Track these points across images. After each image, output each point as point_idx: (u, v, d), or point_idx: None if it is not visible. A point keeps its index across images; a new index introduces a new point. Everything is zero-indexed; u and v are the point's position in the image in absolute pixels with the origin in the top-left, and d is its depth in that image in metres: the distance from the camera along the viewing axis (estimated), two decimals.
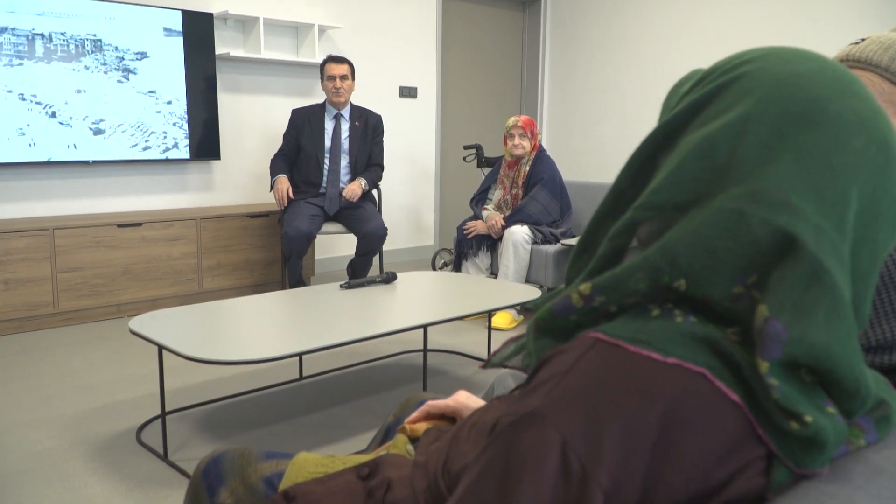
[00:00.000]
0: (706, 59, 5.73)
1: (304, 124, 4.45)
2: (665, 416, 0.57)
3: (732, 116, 0.61)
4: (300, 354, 2.19)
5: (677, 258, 0.61)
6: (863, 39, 1.08)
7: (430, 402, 1.20)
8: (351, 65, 4.44)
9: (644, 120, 6.19)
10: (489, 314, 3.49)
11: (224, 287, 4.56)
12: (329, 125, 4.49)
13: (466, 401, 1.19)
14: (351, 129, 4.51)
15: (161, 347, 2.26)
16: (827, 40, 5.10)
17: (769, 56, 0.64)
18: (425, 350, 2.71)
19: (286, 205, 4.32)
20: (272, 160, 4.50)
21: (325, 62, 4.44)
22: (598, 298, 0.65)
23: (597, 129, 6.57)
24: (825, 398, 0.61)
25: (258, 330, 2.45)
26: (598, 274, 0.69)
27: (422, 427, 1.16)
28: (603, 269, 0.69)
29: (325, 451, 2.49)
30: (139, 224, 4.17)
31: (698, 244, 0.60)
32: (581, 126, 6.67)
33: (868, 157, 0.59)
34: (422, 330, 3.27)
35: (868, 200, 0.60)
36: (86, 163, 4.24)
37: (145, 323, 2.46)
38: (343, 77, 4.39)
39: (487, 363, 0.93)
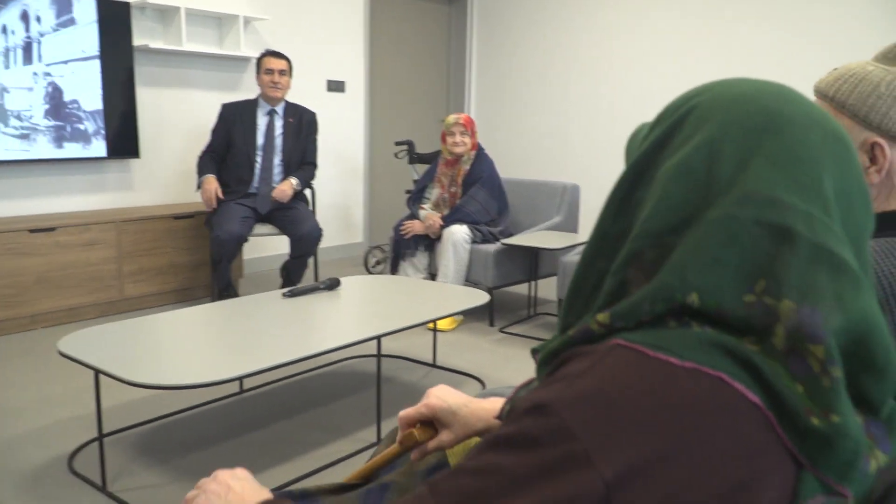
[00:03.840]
0: (630, 51, 5.79)
1: (236, 120, 4.26)
2: (681, 419, 0.57)
3: (698, 141, 0.66)
4: (251, 375, 2.06)
5: (686, 274, 0.62)
6: (836, 69, 1.15)
7: (402, 414, 1.09)
8: (289, 61, 4.29)
9: (569, 114, 6.22)
10: None
11: (147, 293, 4.32)
12: (262, 121, 4.31)
13: (438, 402, 1.06)
14: (285, 125, 4.34)
15: (98, 372, 2.08)
16: (743, 37, 5.23)
17: (714, 87, 0.70)
18: (379, 356, 2.61)
19: (215, 206, 4.11)
20: (199, 158, 4.28)
21: (263, 56, 4.28)
22: (619, 324, 0.66)
23: (522, 124, 6.56)
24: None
25: (200, 347, 2.30)
26: (609, 307, 0.69)
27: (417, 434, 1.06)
28: (612, 303, 0.69)
29: (281, 469, 2.36)
30: (53, 228, 3.89)
31: (702, 255, 0.62)
32: (507, 122, 6.65)
33: (828, 147, 0.65)
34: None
35: (840, 185, 0.64)
36: None
37: (75, 344, 2.27)
38: (282, 72, 4.24)
39: (500, 414, 0.92)
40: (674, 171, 0.67)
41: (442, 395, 1.07)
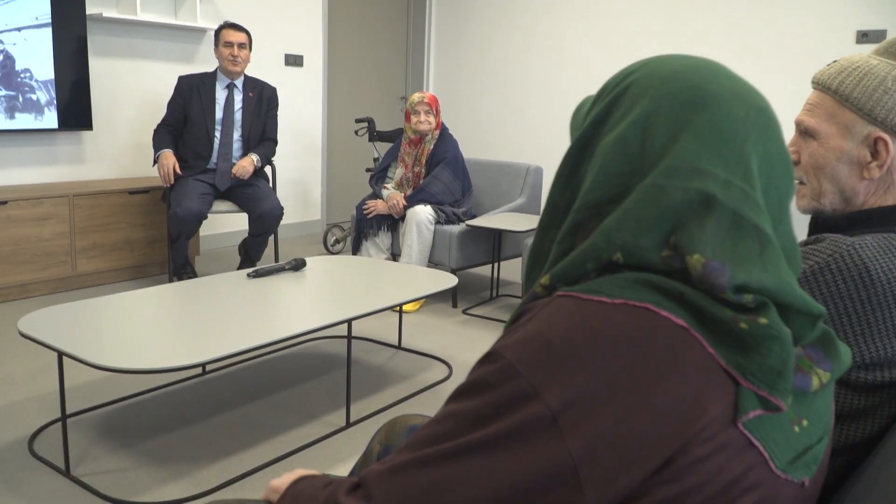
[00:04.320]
0: (589, 33, 5.81)
1: (193, 93, 4.13)
2: (614, 346, 0.61)
3: (634, 116, 0.72)
4: (220, 360, 2.02)
5: (611, 234, 0.68)
6: (835, 61, 1.15)
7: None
8: (249, 34, 4.17)
9: (526, 95, 6.22)
10: None
11: (101, 269, 4.20)
12: (221, 95, 4.19)
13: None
14: (245, 100, 4.23)
15: (62, 354, 2.02)
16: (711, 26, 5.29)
17: (649, 64, 0.75)
18: (349, 338, 2.58)
19: (172, 182, 4.00)
20: (155, 131, 4.14)
21: (221, 28, 4.14)
22: (559, 285, 0.72)
23: (481, 104, 6.55)
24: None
25: (166, 328, 2.24)
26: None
27: None
28: None
29: (249, 454, 2.33)
30: (4, 202, 3.75)
31: (627, 218, 0.68)
32: (467, 102, 6.63)
33: (750, 120, 0.70)
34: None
35: (763, 154, 0.70)
36: None
37: (36, 324, 2.20)
38: (241, 45, 4.11)
39: None
40: (611, 145, 0.72)
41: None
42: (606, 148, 0.72)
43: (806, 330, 0.70)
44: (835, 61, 1.15)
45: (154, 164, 4.08)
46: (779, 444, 0.66)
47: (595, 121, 0.76)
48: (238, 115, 4.21)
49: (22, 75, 4.01)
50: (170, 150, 4.05)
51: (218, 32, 4.16)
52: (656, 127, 0.70)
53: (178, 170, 4.01)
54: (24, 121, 4.05)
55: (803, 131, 1.14)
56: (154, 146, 4.11)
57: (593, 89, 5.86)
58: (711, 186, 0.67)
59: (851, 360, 0.84)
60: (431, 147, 4.24)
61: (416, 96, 4.18)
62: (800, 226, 1.17)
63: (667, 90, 0.71)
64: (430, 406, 2.77)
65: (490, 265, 4.48)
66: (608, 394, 0.60)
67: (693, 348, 0.63)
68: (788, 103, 5.01)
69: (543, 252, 0.79)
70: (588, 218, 0.72)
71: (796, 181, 1.17)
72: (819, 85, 1.13)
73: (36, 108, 4.10)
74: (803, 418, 0.70)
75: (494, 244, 4.27)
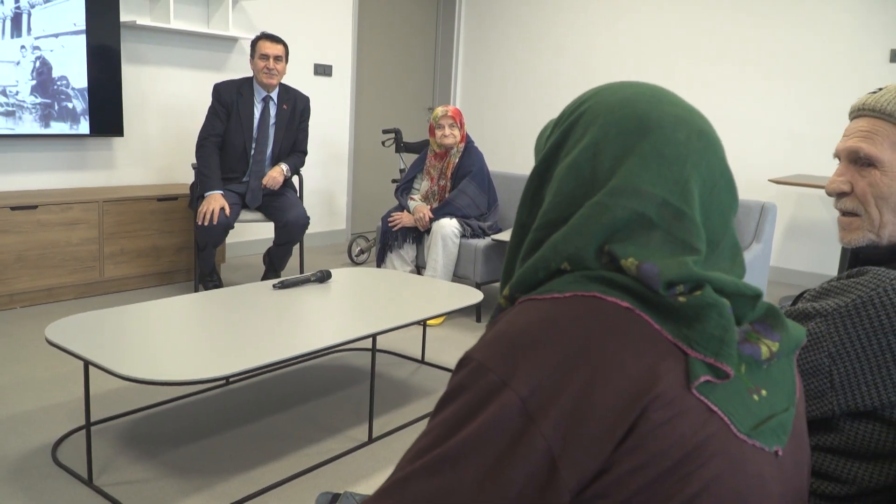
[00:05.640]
0: (616, 45, 5.79)
1: (231, 106, 4.08)
2: (569, 332, 0.67)
3: (585, 143, 0.78)
4: (245, 373, 2.01)
5: (558, 246, 0.75)
6: (880, 89, 1.12)
7: None
8: (286, 46, 4.14)
9: (554, 107, 6.20)
10: None
11: (128, 275, 4.23)
12: (257, 110, 4.16)
13: None
14: (278, 113, 4.21)
15: (88, 363, 2.03)
16: (740, 35, 5.25)
17: (601, 92, 0.82)
18: (374, 352, 2.57)
19: (208, 224, 3.87)
20: (201, 145, 4.04)
21: (258, 39, 4.10)
22: (517, 295, 0.79)
23: (508, 116, 6.53)
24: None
25: (191, 339, 2.25)
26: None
27: None
28: None
29: (271, 467, 2.32)
30: (35, 207, 3.79)
31: (572, 232, 0.74)
32: (493, 114, 6.62)
33: (691, 143, 0.76)
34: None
35: (705, 174, 0.76)
36: None
37: (62, 332, 2.21)
38: (277, 58, 4.08)
39: None
40: (565, 170, 0.78)
41: None
42: (562, 172, 0.79)
43: (746, 309, 0.75)
44: (880, 89, 1.11)
45: (198, 191, 4.01)
46: (738, 409, 0.70)
47: (553, 146, 0.82)
48: (272, 130, 4.20)
49: (58, 83, 4.06)
50: (220, 193, 3.94)
51: (254, 43, 4.10)
52: (604, 153, 0.76)
53: (226, 213, 3.91)
54: (57, 127, 4.10)
55: (858, 159, 1.10)
56: (200, 168, 4.02)
57: None
58: (648, 206, 0.73)
59: (805, 337, 0.87)
60: (457, 160, 4.23)
61: (439, 110, 4.17)
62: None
63: (614, 118, 0.78)
64: None
65: None
66: (567, 374, 0.65)
67: (640, 325, 0.68)
68: (822, 124, 4.95)
69: (512, 270, 0.85)
70: (545, 236, 0.78)
71: (849, 213, 1.13)
72: (875, 112, 1.09)
73: (71, 116, 4.15)
74: (761, 388, 0.74)
75: None
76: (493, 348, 0.69)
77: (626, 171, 0.75)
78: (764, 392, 0.74)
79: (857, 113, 1.12)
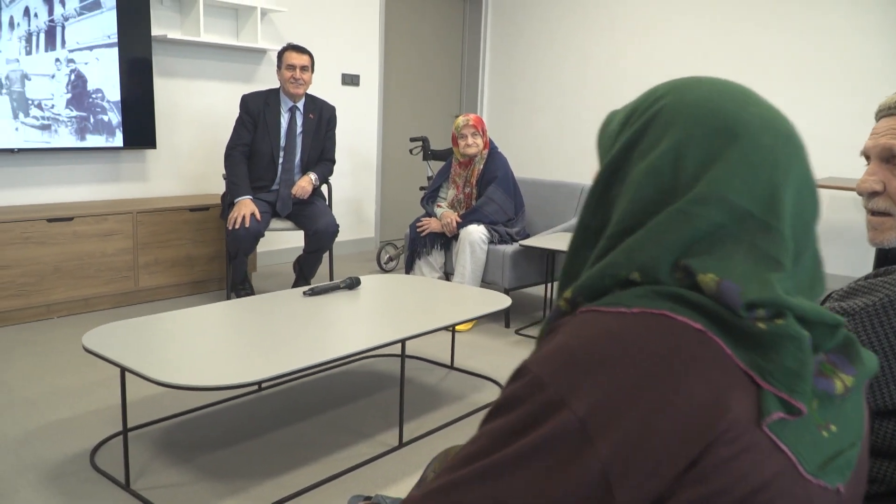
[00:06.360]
0: (644, 52, 5.77)
1: (259, 116, 4.15)
2: (635, 352, 0.63)
3: (666, 145, 0.73)
4: (277, 378, 2.04)
5: (632, 253, 0.70)
6: None
7: None
8: (312, 56, 4.21)
9: (581, 114, 6.19)
10: None
11: (162, 285, 4.31)
12: (284, 119, 4.23)
13: None
14: (305, 122, 4.27)
15: (124, 369, 2.07)
16: (769, 41, 5.20)
17: (678, 88, 0.76)
18: (403, 357, 2.59)
19: (240, 228, 3.93)
20: (229, 155, 4.13)
21: (284, 50, 4.17)
22: (580, 299, 0.74)
23: (535, 123, 6.54)
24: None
25: (224, 346, 2.29)
26: None
27: None
28: None
29: (303, 472, 2.35)
30: (71, 218, 3.88)
31: (649, 239, 0.70)
32: (521, 120, 6.63)
33: (779, 149, 0.72)
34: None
35: (792, 182, 0.72)
36: (10, 151, 3.90)
37: (99, 339, 2.25)
38: (304, 68, 4.14)
39: None
40: (644, 174, 0.73)
41: None
42: (639, 176, 0.74)
43: (825, 338, 0.71)
44: None
45: (228, 199, 4.08)
46: (806, 448, 0.66)
47: (625, 146, 0.77)
48: (299, 139, 4.26)
49: (93, 96, 4.15)
50: (250, 199, 4.01)
51: (281, 54, 4.18)
52: (688, 157, 0.72)
53: (257, 217, 3.97)
54: (93, 141, 4.19)
55: (892, 157, 1.09)
56: (229, 177, 4.09)
57: None
58: (733, 218, 0.69)
59: (878, 365, 0.83)
60: (481, 167, 4.24)
61: (460, 120, 4.19)
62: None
63: (698, 119, 0.73)
64: None
65: (543, 285, 4.46)
66: (631, 397, 0.62)
67: (711, 350, 0.64)
68: (846, 127, 4.89)
69: (573, 273, 0.80)
70: (620, 242, 0.73)
71: (881, 213, 1.12)
72: None
73: (107, 129, 4.24)
74: (831, 423, 0.70)
75: (548, 264, 4.25)
76: (552, 362, 0.65)
77: (712, 178, 0.70)
78: (833, 428, 0.70)
79: (886, 112, 1.11)
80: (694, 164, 0.71)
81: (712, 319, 0.65)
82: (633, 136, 0.77)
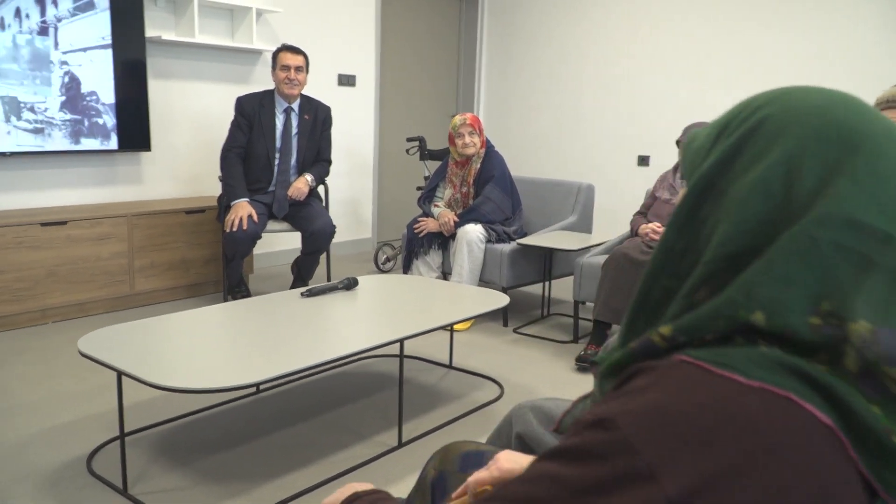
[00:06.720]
0: (644, 51, 5.75)
1: (254, 117, 4.13)
2: (746, 437, 0.55)
3: (775, 157, 0.64)
4: (276, 379, 2.02)
5: (753, 290, 0.61)
6: None
7: (471, 480, 1.09)
8: (306, 57, 4.19)
9: (578, 113, 6.18)
10: None
11: (158, 288, 4.28)
12: (279, 120, 4.21)
13: (510, 465, 1.08)
14: (300, 123, 4.25)
15: (120, 373, 2.05)
16: (773, 40, 5.20)
17: (782, 97, 0.68)
18: (402, 357, 2.57)
19: (237, 230, 3.91)
20: (224, 157, 4.11)
21: (279, 50, 4.15)
22: (681, 338, 0.65)
23: (532, 122, 6.52)
24: None
25: (221, 348, 2.26)
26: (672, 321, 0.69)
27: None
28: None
29: (302, 473, 2.33)
30: (65, 222, 3.85)
31: (772, 273, 0.60)
32: (517, 119, 6.61)
33: None
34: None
35: None
36: (2, 155, 3.87)
37: (95, 344, 2.23)
38: (298, 69, 4.12)
39: (559, 427, 0.87)
40: (749, 189, 0.64)
41: (513, 458, 1.09)
42: (743, 192, 0.65)
43: None
44: None
45: (225, 201, 4.05)
46: None
47: (720, 161, 0.68)
48: (295, 140, 4.24)
49: (87, 98, 4.13)
50: (247, 201, 4.00)
51: (275, 55, 4.16)
52: (803, 170, 0.63)
53: (255, 219, 3.95)
54: (87, 144, 4.17)
55: None
56: (225, 179, 4.07)
57: (645, 107, 5.79)
58: (869, 244, 0.60)
59: None
60: (478, 166, 4.23)
61: (457, 119, 4.17)
62: None
63: (811, 128, 0.64)
64: (482, 427, 2.74)
65: (541, 284, 4.44)
66: (731, 486, 0.54)
67: (835, 452, 0.56)
68: None
69: (651, 299, 0.72)
70: (722, 270, 0.65)
71: None
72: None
73: (102, 132, 4.21)
74: None
75: (545, 263, 4.23)
76: (647, 425, 0.57)
77: (835, 194, 0.61)
78: None
79: (885, 105, 1.11)
80: (811, 178, 0.62)
81: (843, 413, 0.57)
82: (729, 149, 0.68)
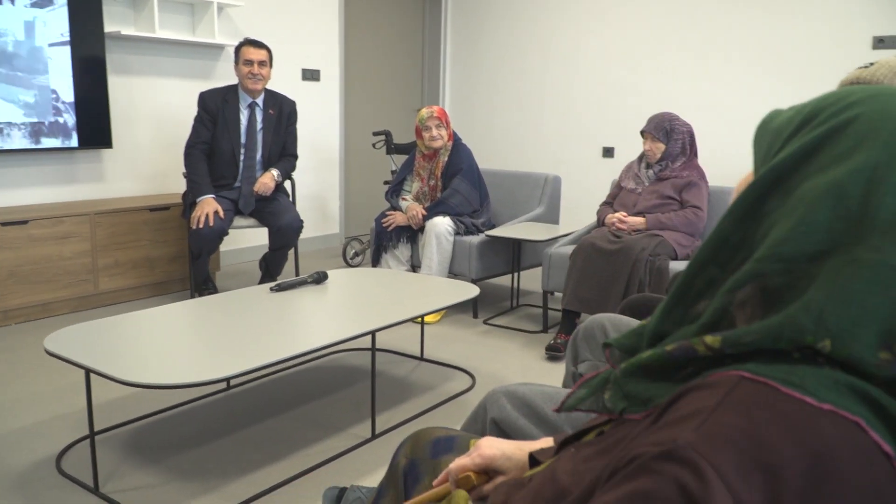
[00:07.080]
0: (604, 44, 5.81)
1: (218, 113, 4.09)
2: (817, 463, 0.53)
3: (858, 162, 0.59)
4: (246, 374, 2.01)
5: (824, 316, 0.57)
6: (871, 63, 1.09)
7: (453, 466, 1.09)
8: (269, 51, 4.15)
9: (543, 105, 6.22)
10: None
11: (123, 287, 4.22)
12: (243, 116, 4.17)
13: (492, 451, 1.08)
14: (265, 118, 4.22)
15: (89, 371, 2.02)
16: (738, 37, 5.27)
17: (879, 97, 0.62)
18: (374, 350, 2.58)
19: (204, 227, 3.86)
20: (188, 154, 4.06)
21: (241, 45, 4.11)
22: (729, 350, 0.62)
23: (497, 115, 6.54)
24: None
25: (191, 344, 2.25)
26: (712, 328, 0.65)
27: (472, 478, 1.06)
28: (718, 322, 0.65)
29: (275, 468, 2.32)
30: (25, 222, 3.78)
31: (848, 300, 0.56)
32: (482, 112, 6.63)
33: None
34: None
35: None
36: None
37: (61, 342, 2.20)
38: (262, 63, 4.08)
39: (562, 407, 0.88)
40: (824, 192, 0.59)
41: (494, 444, 1.10)
42: (814, 194, 0.60)
43: None
44: (871, 63, 1.10)
45: (190, 198, 4.01)
46: None
47: (799, 152, 0.63)
48: (259, 136, 4.20)
49: (40, 95, 4.05)
50: (212, 197, 3.96)
51: (238, 50, 4.12)
52: (887, 184, 0.57)
53: (221, 215, 3.92)
54: (48, 143, 4.09)
55: None
56: (189, 176, 4.03)
57: (609, 99, 5.85)
58: None
59: None
60: (446, 159, 4.23)
61: (424, 112, 4.17)
62: None
63: None
64: (454, 417, 2.75)
65: (510, 275, 4.47)
66: None
67: (891, 482, 0.55)
68: None
69: (693, 289, 0.68)
70: (774, 273, 0.61)
71: None
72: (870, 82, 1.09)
73: (63, 131, 4.14)
74: None
75: (514, 254, 4.26)
76: (725, 450, 0.54)
77: None
78: None
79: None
80: (893, 196, 0.57)
81: None
82: (810, 143, 0.63)
